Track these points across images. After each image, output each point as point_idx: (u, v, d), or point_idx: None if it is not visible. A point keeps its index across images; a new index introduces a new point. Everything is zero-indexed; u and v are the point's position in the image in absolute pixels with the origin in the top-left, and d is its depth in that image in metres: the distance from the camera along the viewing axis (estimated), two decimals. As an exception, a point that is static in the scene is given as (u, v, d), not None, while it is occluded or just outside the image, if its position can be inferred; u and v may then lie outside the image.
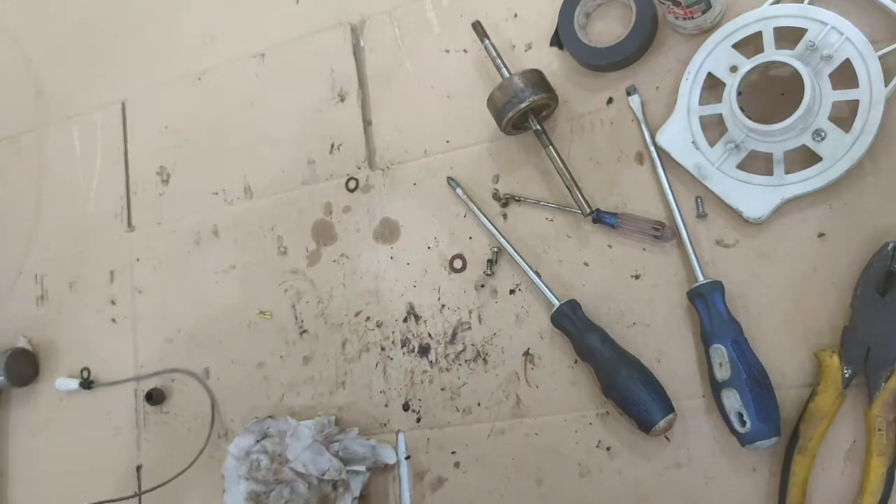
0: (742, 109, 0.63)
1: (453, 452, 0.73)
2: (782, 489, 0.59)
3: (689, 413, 0.64)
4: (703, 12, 0.65)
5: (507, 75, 0.70)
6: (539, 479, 0.70)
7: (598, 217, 0.68)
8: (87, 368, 0.92)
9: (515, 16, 0.76)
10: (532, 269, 0.71)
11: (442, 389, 0.74)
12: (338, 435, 0.75)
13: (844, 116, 0.61)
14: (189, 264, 0.88)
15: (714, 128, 0.65)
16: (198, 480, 0.83)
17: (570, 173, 0.69)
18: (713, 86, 0.65)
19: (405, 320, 0.77)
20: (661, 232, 0.66)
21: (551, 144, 0.70)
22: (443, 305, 0.75)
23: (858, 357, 0.58)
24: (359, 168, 0.81)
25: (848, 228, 0.61)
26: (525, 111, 0.68)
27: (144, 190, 0.93)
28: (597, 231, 0.70)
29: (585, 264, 0.70)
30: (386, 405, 0.76)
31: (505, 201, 0.74)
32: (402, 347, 0.77)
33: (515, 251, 0.71)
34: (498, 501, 0.71)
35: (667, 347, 0.66)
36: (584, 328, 0.67)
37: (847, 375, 0.58)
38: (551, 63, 0.74)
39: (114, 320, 0.92)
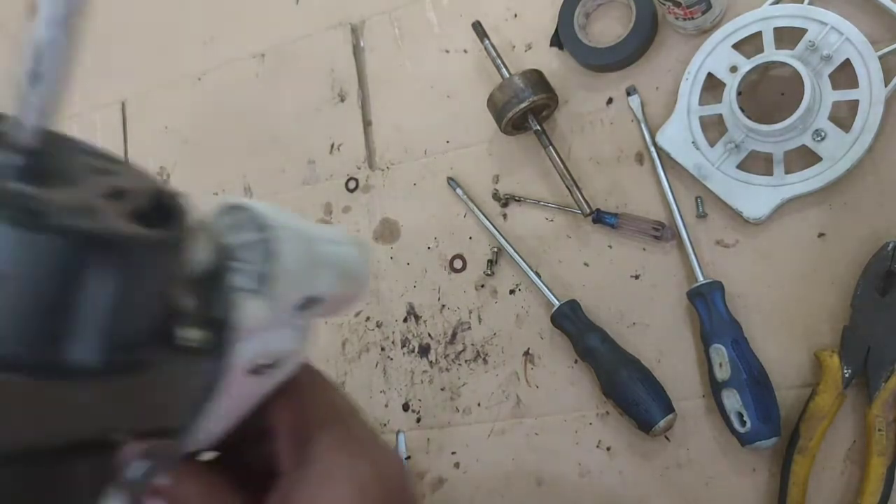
0: (742, 109, 0.63)
1: (453, 452, 0.73)
2: (782, 489, 0.59)
3: (689, 413, 0.64)
4: (704, 12, 0.65)
5: (507, 75, 0.70)
6: (539, 479, 0.70)
7: (598, 217, 0.68)
8: (87, 368, 0.92)
9: (515, 16, 0.76)
10: (532, 269, 0.71)
11: (442, 389, 0.74)
12: (338, 435, 0.75)
13: (844, 116, 0.61)
14: (189, 264, 0.88)
15: (714, 128, 0.65)
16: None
17: (570, 173, 0.69)
18: (713, 86, 0.65)
19: (405, 320, 0.77)
20: (661, 232, 0.66)
21: (551, 144, 0.70)
22: (443, 305, 0.75)
23: (858, 357, 0.58)
24: (359, 168, 0.81)
25: (848, 228, 0.61)
26: (525, 111, 0.68)
27: (144, 190, 0.93)
28: (597, 231, 0.70)
29: (585, 264, 0.70)
30: (386, 405, 0.77)
31: (505, 201, 0.74)
32: (402, 347, 0.77)
33: (515, 251, 0.71)
34: (498, 501, 0.71)
35: (667, 347, 0.66)
36: (584, 328, 0.67)
37: (847, 375, 0.58)
38: (551, 63, 0.74)
39: None
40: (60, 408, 0.20)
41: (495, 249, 0.74)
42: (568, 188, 0.68)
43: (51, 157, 0.21)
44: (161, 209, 0.23)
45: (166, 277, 0.22)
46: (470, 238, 0.75)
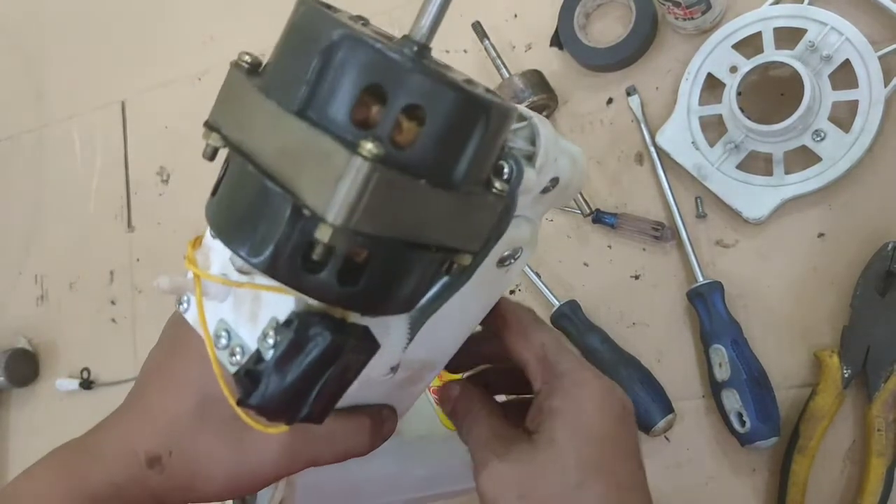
0: (742, 110, 0.63)
1: (453, 452, 0.73)
2: (782, 489, 0.59)
3: (689, 413, 0.64)
4: (703, 13, 0.65)
5: (507, 76, 0.70)
6: (539, 479, 0.69)
7: (598, 217, 0.68)
8: (87, 368, 0.92)
9: (515, 16, 0.76)
10: (532, 270, 0.71)
11: (442, 389, 0.74)
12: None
13: (844, 116, 0.61)
14: (189, 264, 0.88)
15: (714, 128, 0.65)
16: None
17: (570, 173, 0.69)
18: (713, 86, 0.65)
19: (405, 320, 0.77)
20: (661, 232, 0.66)
21: (551, 144, 0.70)
22: (443, 305, 0.75)
23: (858, 357, 0.58)
24: (359, 168, 0.81)
25: (848, 228, 0.61)
26: (525, 111, 0.68)
27: (144, 190, 0.93)
28: (597, 231, 0.70)
29: (585, 264, 0.70)
30: (386, 405, 0.76)
31: (505, 201, 0.74)
32: (402, 347, 0.77)
33: (515, 251, 0.71)
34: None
35: (667, 347, 0.66)
36: (584, 329, 0.67)
37: (847, 375, 0.58)
38: (551, 63, 0.74)
39: (114, 320, 0.92)
40: (429, 213, 0.29)
41: (495, 249, 0.74)
42: (568, 188, 0.69)
43: (430, 50, 0.30)
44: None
45: (501, 138, 0.31)
46: (470, 238, 0.75)
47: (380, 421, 0.41)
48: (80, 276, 0.95)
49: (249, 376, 0.30)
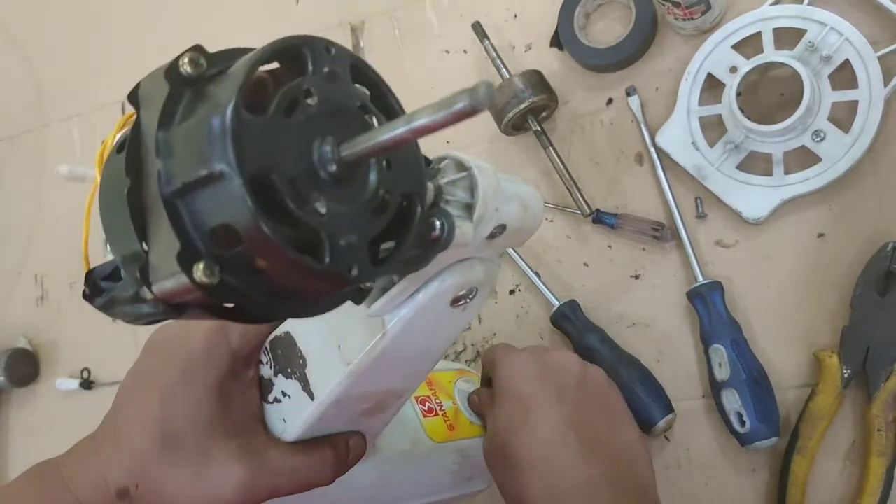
0: (742, 110, 0.63)
1: (453, 452, 0.73)
2: (782, 489, 0.59)
3: (689, 413, 0.64)
4: (703, 13, 0.65)
5: (507, 76, 0.70)
6: (539, 479, 0.70)
7: (598, 217, 0.69)
8: (87, 368, 0.92)
9: (515, 16, 0.76)
10: (532, 270, 0.71)
11: (442, 389, 0.74)
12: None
13: (844, 117, 0.61)
14: (189, 264, 0.88)
15: (714, 128, 0.65)
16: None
17: (570, 174, 0.69)
18: (713, 86, 0.66)
19: (405, 320, 0.77)
20: (661, 232, 0.66)
21: (551, 145, 0.70)
22: (443, 305, 0.75)
23: (858, 357, 0.58)
24: (359, 168, 0.81)
25: (848, 228, 0.61)
26: (525, 112, 0.69)
27: (144, 190, 0.93)
28: (597, 231, 0.70)
29: (585, 264, 0.70)
30: (386, 405, 0.76)
31: (505, 201, 0.74)
32: (402, 347, 0.77)
33: (515, 251, 0.71)
34: (499, 502, 0.71)
35: (667, 347, 0.66)
36: (583, 329, 0.67)
37: (847, 375, 0.58)
38: (551, 63, 0.74)
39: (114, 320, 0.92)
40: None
41: (495, 249, 0.74)
42: (568, 189, 0.69)
43: (352, 169, 0.29)
44: (403, 216, 0.31)
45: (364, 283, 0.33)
46: (470, 238, 0.75)
47: (344, 451, 0.44)
48: (80, 276, 0.95)
49: (95, 286, 0.32)
